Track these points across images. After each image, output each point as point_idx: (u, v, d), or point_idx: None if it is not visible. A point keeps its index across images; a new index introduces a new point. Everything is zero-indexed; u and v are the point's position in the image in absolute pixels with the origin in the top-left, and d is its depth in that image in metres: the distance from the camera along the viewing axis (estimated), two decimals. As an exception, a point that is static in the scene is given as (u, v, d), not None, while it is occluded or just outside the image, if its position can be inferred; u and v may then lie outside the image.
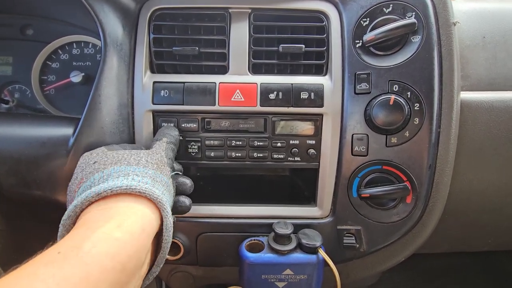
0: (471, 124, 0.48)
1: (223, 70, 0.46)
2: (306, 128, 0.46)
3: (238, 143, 0.46)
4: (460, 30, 0.52)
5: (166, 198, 0.33)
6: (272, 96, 0.45)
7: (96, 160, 0.36)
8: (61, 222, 0.30)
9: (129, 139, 0.45)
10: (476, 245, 0.68)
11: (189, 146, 0.46)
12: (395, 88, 0.42)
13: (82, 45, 0.58)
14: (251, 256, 0.43)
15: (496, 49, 0.53)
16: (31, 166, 0.41)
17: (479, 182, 0.51)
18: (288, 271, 0.43)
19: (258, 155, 0.46)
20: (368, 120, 0.43)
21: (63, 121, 0.44)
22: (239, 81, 0.45)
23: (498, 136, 0.48)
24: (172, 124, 0.46)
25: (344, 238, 0.46)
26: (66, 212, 0.31)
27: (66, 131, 0.42)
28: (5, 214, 0.48)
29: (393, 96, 0.41)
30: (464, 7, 0.56)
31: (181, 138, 0.46)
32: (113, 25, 0.44)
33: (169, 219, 0.32)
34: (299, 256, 0.43)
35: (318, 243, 0.43)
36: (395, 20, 0.42)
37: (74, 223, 0.30)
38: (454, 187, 0.48)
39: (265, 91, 0.45)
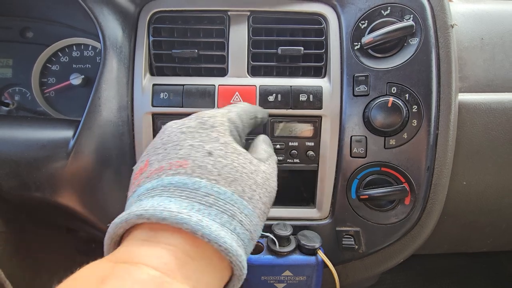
0: (469, 125, 0.48)
1: (223, 72, 0.47)
2: (305, 130, 0.46)
3: (237, 145, 0.46)
4: (458, 32, 0.52)
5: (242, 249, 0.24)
6: (271, 98, 0.45)
7: (170, 142, 0.27)
8: (105, 239, 0.25)
9: (129, 141, 0.45)
10: (476, 246, 0.69)
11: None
12: (394, 90, 0.43)
13: (82, 47, 0.58)
14: (250, 257, 0.43)
15: (494, 51, 0.53)
16: (31, 168, 0.41)
17: (478, 183, 0.51)
18: (287, 273, 0.43)
19: (257, 157, 0.46)
20: (367, 122, 0.43)
21: (63, 123, 0.44)
22: (238, 84, 0.45)
23: (496, 138, 0.48)
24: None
25: (343, 239, 0.46)
26: (110, 226, 0.24)
27: (66, 133, 0.43)
28: (5, 216, 0.48)
29: (391, 98, 0.42)
30: (462, 8, 0.56)
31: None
32: (112, 28, 0.44)
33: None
34: (298, 257, 0.43)
35: (317, 245, 0.43)
36: (393, 23, 0.43)
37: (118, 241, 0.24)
38: (452, 188, 0.48)
39: (264, 93, 0.45)
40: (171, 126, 0.29)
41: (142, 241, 0.22)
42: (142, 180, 0.26)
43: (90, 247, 0.65)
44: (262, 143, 0.34)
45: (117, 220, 0.23)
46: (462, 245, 0.67)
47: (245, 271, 0.24)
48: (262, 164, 0.28)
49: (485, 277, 0.91)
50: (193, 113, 0.45)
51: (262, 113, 0.37)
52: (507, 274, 0.90)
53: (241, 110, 0.33)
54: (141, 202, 0.23)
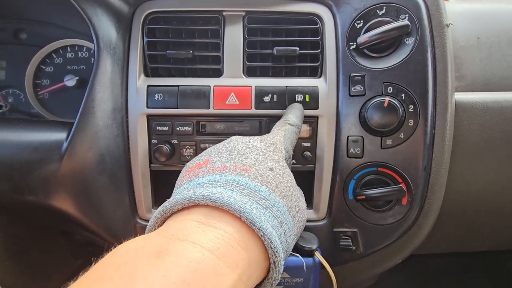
0: (466, 125, 0.48)
1: (218, 73, 0.46)
2: (302, 130, 0.45)
3: (233, 146, 0.46)
4: (454, 31, 0.52)
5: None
6: (266, 98, 0.45)
7: (236, 151, 0.29)
8: (152, 218, 0.26)
9: (124, 143, 0.45)
10: (474, 245, 0.68)
11: (184, 149, 0.46)
12: (390, 90, 0.42)
13: (76, 48, 0.58)
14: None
15: (491, 50, 0.53)
16: (24, 171, 0.41)
17: (475, 182, 0.51)
18: (284, 274, 0.43)
19: (254, 158, 0.46)
20: (363, 122, 0.43)
21: (56, 125, 0.44)
22: (233, 84, 0.45)
23: (493, 137, 0.48)
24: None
25: (341, 240, 0.46)
26: (162, 206, 0.25)
27: (59, 135, 0.42)
28: (-2, 220, 0.48)
29: (387, 98, 0.41)
30: (458, 8, 0.56)
31: (175, 141, 0.46)
32: (106, 29, 0.44)
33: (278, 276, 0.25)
34: (295, 259, 0.43)
35: (314, 246, 0.42)
36: (388, 22, 0.43)
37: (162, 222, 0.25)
38: (450, 188, 0.48)
39: (260, 94, 0.45)
40: (237, 140, 0.32)
41: (199, 222, 0.23)
42: (202, 173, 0.28)
43: (86, 250, 0.65)
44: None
45: (178, 197, 0.24)
46: (460, 245, 0.67)
47: (279, 278, 0.25)
48: (303, 198, 0.33)
49: (484, 276, 0.91)
50: (189, 114, 0.46)
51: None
52: (506, 274, 0.89)
53: (293, 138, 0.37)
54: (203, 189, 0.25)
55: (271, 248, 0.23)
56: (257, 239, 0.23)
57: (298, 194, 0.30)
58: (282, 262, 0.24)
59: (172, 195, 0.30)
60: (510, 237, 0.64)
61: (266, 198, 0.25)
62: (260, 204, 0.24)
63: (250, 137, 0.33)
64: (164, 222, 0.25)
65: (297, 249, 0.43)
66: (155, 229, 0.25)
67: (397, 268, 0.51)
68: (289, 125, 0.38)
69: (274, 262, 0.23)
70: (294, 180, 0.31)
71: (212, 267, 0.20)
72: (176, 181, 0.33)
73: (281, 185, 0.27)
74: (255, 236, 0.23)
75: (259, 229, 0.23)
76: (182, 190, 0.27)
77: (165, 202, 0.26)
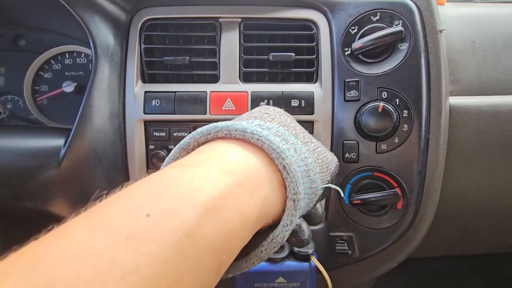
0: (461, 129, 0.48)
1: (214, 79, 0.47)
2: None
3: (230, 151, 0.46)
4: (450, 35, 0.53)
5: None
6: (262, 104, 0.45)
7: (270, 112, 0.30)
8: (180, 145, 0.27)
9: (121, 149, 0.45)
10: (471, 248, 0.69)
11: (181, 155, 0.46)
12: (384, 95, 0.43)
13: (75, 54, 0.58)
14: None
15: (486, 53, 0.54)
16: (22, 178, 0.41)
17: (471, 186, 0.52)
18: (281, 279, 0.43)
19: (250, 163, 0.46)
20: (358, 127, 0.44)
21: (54, 132, 0.44)
22: (230, 90, 0.45)
23: (488, 141, 0.49)
24: None
25: (337, 244, 0.46)
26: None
27: (57, 142, 0.43)
28: (-4, 226, 0.48)
29: (381, 103, 0.42)
30: (453, 12, 0.57)
31: (172, 147, 0.46)
32: (103, 36, 0.44)
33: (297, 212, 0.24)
34: (291, 264, 0.43)
35: (310, 251, 0.43)
36: (382, 28, 0.43)
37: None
38: (445, 191, 0.48)
39: (256, 99, 0.45)
40: (268, 106, 0.34)
41: (213, 152, 0.24)
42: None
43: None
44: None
45: (197, 131, 0.26)
46: (457, 248, 0.67)
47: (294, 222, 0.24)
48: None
49: (481, 280, 0.91)
50: (185, 119, 0.46)
51: None
52: (503, 276, 0.90)
53: None
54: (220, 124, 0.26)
55: (272, 149, 0.23)
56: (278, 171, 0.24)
57: (323, 150, 0.31)
58: (301, 201, 0.23)
59: None
60: (506, 241, 0.65)
61: (280, 131, 0.26)
62: (279, 136, 0.25)
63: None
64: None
65: (293, 253, 0.43)
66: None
67: (394, 271, 0.52)
68: None
69: (287, 172, 0.23)
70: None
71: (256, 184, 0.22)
72: None
73: (302, 134, 0.29)
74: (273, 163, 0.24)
75: (276, 153, 0.23)
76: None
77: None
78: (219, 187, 0.20)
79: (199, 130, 0.26)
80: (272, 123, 0.27)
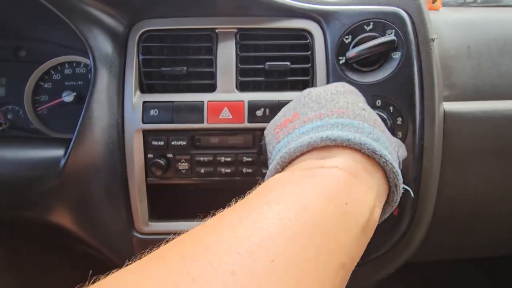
0: (455, 134, 0.49)
1: (211, 88, 0.47)
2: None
3: (227, 159, 0.47)
4: (445, 40, 0.54)
5: None
6: (259, 112, 0.46)
7: (323, 99, 0.30)
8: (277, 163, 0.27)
9: (120, 158, 0.46)
10: (470, 252, 0.69)
11: (179, 163, 0.47)
12: (378, 103, 0.44)
13: (74, 65, 0.59)
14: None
15: (481, 58, 0.54)
16: (23, 188, 0.42)
17: (468, 190, 0.52)
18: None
19: (247, 170, 0.47)
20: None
21: (54, 142, 0.45)
22: (227, 99, 0.46)
23: (483, 146, 0.49)
24: None
25: (334, 251, 0.46)
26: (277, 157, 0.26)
27: (57, 152, 0.43)
28: (-3, 236, 0.49)
29: (375, 112, 0.42)
30: (448, 17, 0.58)
31: (171, 155, 0.47)
32: (102, 48, 0.45)
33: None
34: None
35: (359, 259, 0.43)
36: (375, 38, 0.44)
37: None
38: (442, 196, 0.49)
39: (253, 108, 0.46)
40: (318, 90, 0.32)
41: (325, 158, 0.24)
42: (299, 124, 0.28)
43: (85, 262, 0.65)
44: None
45: (294, 144, 0.26)
46: (456, 252, 0.68)
47: (398, 199, 0.27)
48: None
49: (482, 283, 0.91)
50: (183, 128, 0.47)
51: None
52: (503, 280, 0.90)
53: None
54: (311, 135, 0.26)
55: (393, 172, 0.24)
56: (378, 167, 0.25)
57: (386, 131, 0.31)
58: (402, 186, 0.25)
59: (268, 153, 0.32)
60: (505, 244, 0.65)
61: (372, 133, 0.26)
62: (370, 137, 0.25)
63: (327, 86, 0.34)
64: (282, 170, 0.27)
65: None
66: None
67: (395, 276, 0.52)
68: None
69: (395, 185, 0.25)
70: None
71: (357, 185, 0.22)
72: (267, 140, 0.34)
73: (377, 121, 0.29)
74: (376, 165, 0.25)
75: (380, 157, 0.24)
76: (287, 143, 0.28)
77: (279, 152, 0.27)
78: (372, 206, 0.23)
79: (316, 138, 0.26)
80: (363, 123, 0.27)
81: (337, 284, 0.19)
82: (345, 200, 0.21)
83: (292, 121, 0.30)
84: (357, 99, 0.31)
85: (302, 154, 0.26)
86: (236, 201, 0.22)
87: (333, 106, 0.28)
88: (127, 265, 0.16)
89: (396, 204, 0.27)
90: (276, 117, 0.34)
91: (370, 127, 0.26)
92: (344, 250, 0.20)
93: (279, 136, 0.30)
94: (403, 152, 0.34)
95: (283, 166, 0.27)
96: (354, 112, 0.28)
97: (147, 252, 0.17)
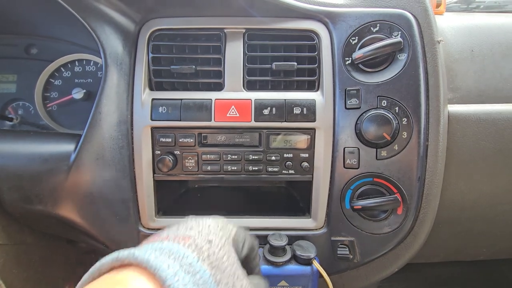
0: (460, 136, 0.49)
1: (219, 87, 0.48)
2: (300, 142, 0.47)
3: (233, 157, 0.48)
4: (449, 44, 0.54)
5: None
6: (266, 111, 0.46)
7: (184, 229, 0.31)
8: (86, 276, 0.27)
9: (129, 154, 0.47)
10: (472, 254, 0.69)
11: (186, 160, 0.48)
12: (384, 104, 0.44)
13: (84, 62, 0.60)
14: (247, 268, 0.44)
15: (484, 62, 0.55)
16: (34, 182, 0.43)
17: (470, 192, 0.52)
18: (283, 283, 0.44)
19: (253, 168, 0.48)
20: (359, 134, 0.45)
21: (65, 137, 0.46)
22: (234, 98, 0.47)
23: (487, 148, 0.50)
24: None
25: (338, 249, 0.47)
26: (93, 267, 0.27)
27: (67, 147, 0.44)
28: (6, 229, 0.49)
29: (382, 111, 0.43)
30: (452, 21, 0.58)
31: (178, 152, 0.48)
32: (113, 45, 0.46)
33: None
34: (294, 267, 0.44)
35: (312, 255, 0.44)
36: (382, 39, 0.45)
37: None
38: (446, 197, 0.49)
39: (259, 106, 0.47)
40: (198, 219, 0.33)
41: (121, 278, 0.25)
42: (151, 241, 0.30)
43: (90, 257, 0.66)
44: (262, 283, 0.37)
45: (107, 258, 0.26)
46: (458, 254, 0.68)
47: None
48: (246, 279, 0.31)
49: (484, 285, 0.91)
50: (191, 126, 0.48)
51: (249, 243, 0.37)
52: (505, 282, 0.89)
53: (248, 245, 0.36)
54: (132, 251, 0.27)
55: None
56: None
57: (237, 272, 0.30)
58: None
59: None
60: (507, 246, 0.65)
61: (192, 265, 0.26)
62: (183, 268, 0.26)
63: (212, 219, 0.34)
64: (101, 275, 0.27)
65: (295, 258, 0.44)
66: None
67: (397, 277, 0.52)
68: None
69: None
70: (236, 261, 0.31)
71: None
72: None
73: (213, 256, 0.29)
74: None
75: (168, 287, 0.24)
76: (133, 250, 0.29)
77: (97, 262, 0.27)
78: None
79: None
80: (186, 250, 0.28)
81: None
82: None
83: (159, 237, 0.31)
84: (213, 232, 0.31)
85: (113, 268, 0.26)
86: None
87: (182, 232, 0.30)
88: None
89: None
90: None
91: (195, 259, 0.27)
92: None
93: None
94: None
95: (94, 277, 0.27)
96: (194, 242, 0.29)
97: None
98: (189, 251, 0.27)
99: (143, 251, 0.26)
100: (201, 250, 0.28)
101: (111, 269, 0.26)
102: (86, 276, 0.27)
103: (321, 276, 0.43)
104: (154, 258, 0.25)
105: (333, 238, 0.47)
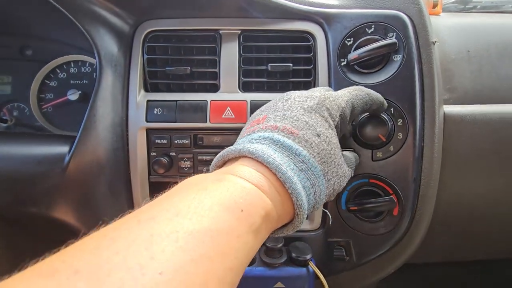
0: (455, 137, 0.49)
1: (215, 88, 0.48)
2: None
3: (229, 158, 0.47)
4: (445, 45, 0.54)
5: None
6: (261, 112, 0.46)
7: (289, 111, 0.32)
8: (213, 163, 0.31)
9: (124, 156, 0.46)
10: (469, 255, 0.69)
11: (182, 161, 0.48)
12: (379, 105, 0.44)
13: (79, 64, 0.60)
14: (242, 270, 0.43)
15: (481, 62, 0.55)
16: (28, 184, 0.42)
17: (467, 193, 0.53)
18: (279, 284, 0.44)
19: (249, 169, 0.47)
20: (354, 135, 0.45)
21: (59, 139, 0.45)
22: (229, 99, 0.47)
23: (483, 149, 0.50)
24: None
25: (334, 250, 0.47)
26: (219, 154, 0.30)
27: (61, 149, 0.44)
28: (0, 232, 0.49)
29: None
30: (448, 22, 0.59)
31: (174, 154, 0.48)
32: (108, 47, 0.46)
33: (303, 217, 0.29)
34: (290, 269, 0.44)
35: (308, 256, 0.44)
36: (377, 40, 0.45)
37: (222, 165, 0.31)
38: (442, 198, 0.49)
39: (255, 108, 0.46)
40: (294, 98, 0.34)
41: (243, 166, 0.28)
42: (258, 129, 0.32)
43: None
44: (350, 154, 0.41)
45: (231, 148, 0.29)
46: (455, 254, 0.68)
47: (300, 226, 0.29)
48: (345, 165, 0.35)
49: (482, 285, 0.91)
50: (186, 127, 0.47)
51: (378, 103, 0.40)
52: (502, 282, 0.89)
53: (358, 104, 0.38)
54: (252, 144, 0.29)
55: (297, 204, 0.27)
56: (286, 194, 0.27)
57: (339, 161, 0.32)
58: (305, 216, 0.29)
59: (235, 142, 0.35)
60: (504, 246, 0.65)
61: (304, 162, 0.29)
62: (297, 166, 0.28)
63: (309, 92, 0.35)
64: (222, 166, 0.31)
65: (291, 259, 0.44)
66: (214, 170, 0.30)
67: (395, 277, 0.52)
68: (362, 90, 0.38)
69: (297, 214, 0.28)
70: (339, 147, 0.33)
71: (259, 194, 0.25)
72: (242, 130, 0.37)
73: (323, 152, 0.30)
74: (286, 192, 0.27)
75: (289, 187, 0.27)
76: (241, 142, 0.32)
77: (224, 149, 0.31)
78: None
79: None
80: (302, 150, 0.29)
81: (225, 286, 0.20)
82: (241, 208, 0.23)
83: (259, 123, 0.33)
84: (319, 122, 0.32)
85: (235, 158, 0.29)
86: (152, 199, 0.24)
87: (290, 123, 0.31)
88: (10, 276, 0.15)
89: (298, 226, 0.29)
90: (257, 110, 0.37)
91: (308, 156, 0.29)
92: (233, 254, 0.21)
93: (244, 133, 0.34)
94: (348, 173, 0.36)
95: (220, 164, 0.30)
96: (304, 137, 0.30)
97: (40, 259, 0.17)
98: (300, 148, 0.29)
99: (259, 145, 0.28)
100: (311, 146, 0.30)
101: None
102: (213, 164, 0.30)
103: (317, 277, 0.43)
104: (271, 156, 0.27)
105: (329, 240, 0.47)
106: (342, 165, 0.33)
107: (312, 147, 0.30)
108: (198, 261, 0.19)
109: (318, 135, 0.31)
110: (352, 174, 0.38)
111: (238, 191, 0.24)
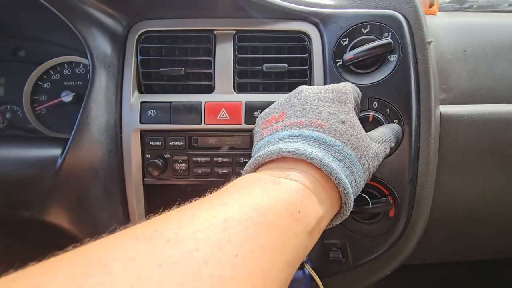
0: (452, 137, 0.49)
1: (209, 89, 0.48)
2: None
3: (224, 160, 0.47)
4: (441, 44, 0.54)
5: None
6: (256, 114, 0.46)
7: (308, 104, 0.32)
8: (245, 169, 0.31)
9: (117, 158, 0.46)
10: (466, 255, 0.69)
11: (176, 163, 0.47)
12: (375, 105, 0.44)
13: (73, 65, 0.59)
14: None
15: (477, 62, 0.55)
16: (19, 187, 0.42)
17: (464, 193, 0.52)
18: (275, 287, 0.44)
19: (245, 171, 0.47)
20: (350, 136, 0.44)
21: (51, 142, 0.45)
22: (224, 100, 0.46)
23: (479, 149, 0.50)
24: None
25: (330, 252, 0.46)
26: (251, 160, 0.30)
27: (54, 152, 0.43)
28: (-7, 235, 0.48)
29: (371, 113, 0.43)
30: (445, 21, 0.58)
31: (168, 156, 0.47)
32: (101, 48, 0.46)
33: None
34: (285, 271, 0.43)
35: (304, 259, 0.43)
36: (372, 40, 0.44)
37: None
38: (439, 198, 0.49)
39: (250, 109, 0.46)
40: (308, 91, 0.35)
41: (291, 168, 0.28)
42: (281, 127, 0.32)
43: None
44: (385, 127, 0.41)
45: (268, 150, 0.30)
46: (453, 255, 0.68)
47: (348, 214, 0.30)
48: (373, 143, 0.35)
49: (480, 285, 0.91)
50: (181, 129, 0.47)
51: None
52: (501, 282, 0.89)
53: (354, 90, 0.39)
54: (285, 144, 0.29)
55: (344, 193, 0.28)
56: (334, 185, 0.28)
57: (367, 143, 0.33)
58: (352, 203, 0.30)
59: (254, 143, 0.36)
60: (501, 246, 0.65)
61: (339, 151, 0.29)
62: (335, 157, 0.29)
63: (322, 87, 0.35)
64: (256, 170, 0.31)
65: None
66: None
67: (393, 278, 0.52)
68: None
69: (345, 203, 0.29)
70: (363, 130, 0.33)
71: (312, 199, 0.26)
72: (255, 130, 0.37)
73: (352, 137, 0.31)
74: (332, 185, 0.28)
75: (335, 179, 0.28)
76: (266, 143, 0.32)
77: (258, 151, 0.31)
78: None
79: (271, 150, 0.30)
80: (334, 140, 0.30)
81: (282, 279, 0.21)
82: (299, 209, 0.24)
83: (277, 121, 0.33)
84: (340, 109, 0.32)
85: (273, 160, 0.30)
86: (211, 192, 0.25)
87: (314, 117, 0.31)
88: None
89: (347, 215, 0.30)
90: (267, 109, 0.37)
91: (341, 145, 0.30)
92: (292, 249, 0.22)
93: (263, 133, 0.34)
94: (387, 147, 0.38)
95: (257, 167, 0.31)
96: (331, 127, 0.31)
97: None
98: (332, 139, 0.30)
99: (295, 144, 0.29)
100: (340, 134, 0.30)
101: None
102: (247, 169, 0.30)
103: (313, 279, 0.43)
104: (312, 152, 0.28)
105: (325, 241, 0.47)
106: (370, 145, 0.34)
107: (341, 135, 0.30)
108: (266, 249, 0.20)
109: (343, 122, 0.31)
110: (388, 149, 0.38)
111: (294, 193, 0.25)
